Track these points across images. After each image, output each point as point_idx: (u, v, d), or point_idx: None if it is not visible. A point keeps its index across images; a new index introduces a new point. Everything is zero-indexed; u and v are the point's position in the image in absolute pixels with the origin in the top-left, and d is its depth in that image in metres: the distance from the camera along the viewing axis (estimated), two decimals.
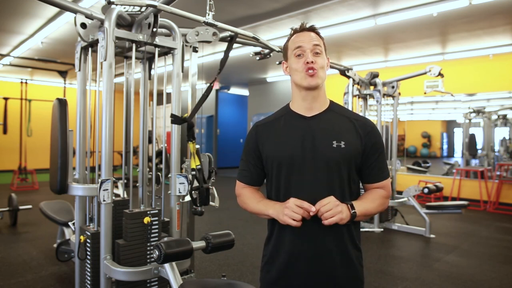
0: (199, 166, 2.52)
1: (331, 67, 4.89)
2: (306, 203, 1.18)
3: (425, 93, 5.28)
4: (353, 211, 1.20)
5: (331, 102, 1.35)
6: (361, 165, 1.29)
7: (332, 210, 1.16)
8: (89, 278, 2.30)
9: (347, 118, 1.30)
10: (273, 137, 1.32)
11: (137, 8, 2.26)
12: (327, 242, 1.22)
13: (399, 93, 5.44)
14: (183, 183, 2.41)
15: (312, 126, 1.28)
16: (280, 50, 3.12)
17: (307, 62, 1.24)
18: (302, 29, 1.30)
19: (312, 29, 1.30)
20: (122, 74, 2.96)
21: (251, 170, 1.37)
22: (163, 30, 2.48)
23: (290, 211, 1.17)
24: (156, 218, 2.29)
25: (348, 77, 4.97)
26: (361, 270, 1.30)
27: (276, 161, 1.29)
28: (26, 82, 8.52)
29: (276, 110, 1.43)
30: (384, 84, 5.27)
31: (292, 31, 1.33)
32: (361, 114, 5.25)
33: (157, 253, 1.80)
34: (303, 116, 1.31)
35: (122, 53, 2.64)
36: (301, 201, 1.18)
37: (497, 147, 7.84)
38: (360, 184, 1.36)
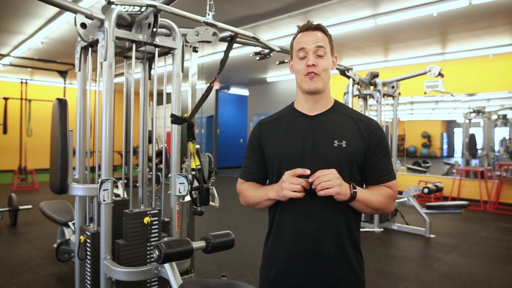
0: (199, 166, 2.52)
1: None
2: (299, 169, 1.17)
3: (425, 93, 5.28)
4: (353, 190, 1.16)
5: (335, 102, 1.34)
6: (364, 165, 1.27)
7: (331, 181, 1.13)
8: (89, 278, 2.30)
9: (351, 118, 1.29)
10: (275, 136, 1.31)
11: (137, 8, 2.26)
12: (325, 242, 1.21)
13: (399, 93, 5.44)
14: (183, 183, 2.41)
15: (314, 125, 1.27)
16: (280, 50, 3.12)
17: (308, 65, 1.23)
18: (307, 28, 1.27)
19: (318, 28, 1.27)
20: (122, 74, 2.96)
21: (254, 167, 1.36)
22: (163, 30, 2.48)
23: (288, 183, 1.16)
24: (156, 218, 2.29)
25: (348, 77, 4.97)
26: (361, 271, 1.28)
27: (276, 160, 1.28)
28: (26, 82, 8.52)
29: (276, 110, 1.42)
30: (384, 84, 5.27)
31: (298, 29, 1.30)
32: None
33: (157, 253, 1.80)
34: (306, 115, 1.30)
35: (122, 53, 2.64)
36: (294, 169, 1.17)
37: (497, 147, 7.84)
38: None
